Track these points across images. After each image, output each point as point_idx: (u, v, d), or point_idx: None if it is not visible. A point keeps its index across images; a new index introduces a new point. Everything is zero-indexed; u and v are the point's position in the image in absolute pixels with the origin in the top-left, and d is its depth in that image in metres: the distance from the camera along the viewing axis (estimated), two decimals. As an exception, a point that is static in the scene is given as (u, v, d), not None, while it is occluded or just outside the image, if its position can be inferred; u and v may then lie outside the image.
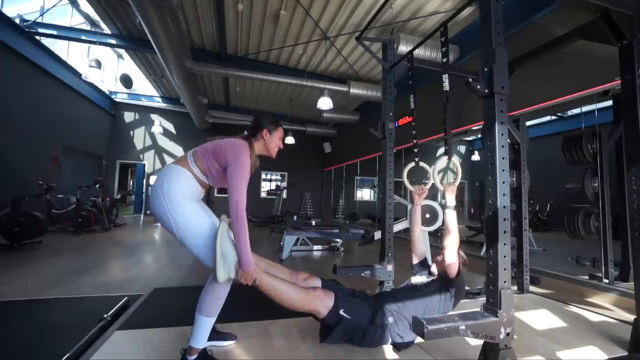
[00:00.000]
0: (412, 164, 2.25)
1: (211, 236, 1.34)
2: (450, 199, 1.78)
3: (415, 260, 2.05)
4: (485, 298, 1.40)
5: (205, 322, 1.36)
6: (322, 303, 1.52)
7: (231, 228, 1.35)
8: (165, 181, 1.35)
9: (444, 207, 1.80)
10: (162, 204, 1.32)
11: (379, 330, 1.56)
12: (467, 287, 1.78)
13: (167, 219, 1.32)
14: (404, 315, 1.60)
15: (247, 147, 1.41)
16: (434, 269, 1.87)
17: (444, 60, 1.94)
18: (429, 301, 1.67)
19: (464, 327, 1.23)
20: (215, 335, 1.54)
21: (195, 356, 1.33)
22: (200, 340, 1.35)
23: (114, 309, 2.05)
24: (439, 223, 3.34)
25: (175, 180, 1.36)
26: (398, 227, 3.46)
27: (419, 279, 1.89)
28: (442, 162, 1.95)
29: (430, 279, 1.83)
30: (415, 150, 2.25)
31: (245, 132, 1.56)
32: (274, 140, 1.56)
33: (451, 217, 1.74)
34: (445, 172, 2.11)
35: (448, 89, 1.89)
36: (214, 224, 1.38)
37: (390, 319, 1.59)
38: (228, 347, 1.55)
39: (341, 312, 1.53)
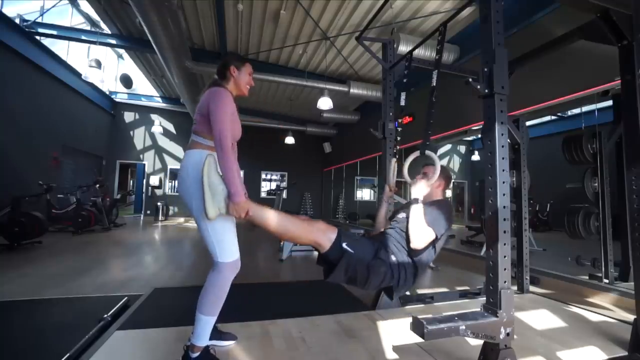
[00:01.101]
0: (394, 160, 2.26)
1: (230, 232, 1.38)
2: (414, 192, 1.73)
3: (383, 222, 2.06)
4: (485, 298, 1.40)
5: (206, 321, 1.36)
6: (325, 235, 1.49)
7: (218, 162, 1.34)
8: (191, 169, 1.36)
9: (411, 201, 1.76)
10: (189, 189, 1.35)
11: (383, 268, 1.54)
12: (453, 226, 1.72)
13: (194, 205, 1.35)
14: (402, 262, 1.60)
15: (223, 89, 1.41)
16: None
17: (437, 57, 1.98)
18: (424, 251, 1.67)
19: (464, 327, 1.24)
20: (216, 334, 1.55)
21: (198, 353, 1.34)
22: (203, 338, 1.35)
23: (114, 309, 2.05)
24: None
25: (199, 163, 1.35)
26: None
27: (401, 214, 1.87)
28: (413, 157, 1.95)
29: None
30: (397, 148, 2.32)
31: (215, 76, 1.55)
32: (243, 77, 1.54)
33: (413, 211, 1.67)
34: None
35: (435, 85, 1.92)
36: (233, 221, 1.41)
37: (393, 258, 1.59)
38: (228, 347, 1.55)
39: (344, 244, 1.50)
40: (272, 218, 1.39)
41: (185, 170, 1.38)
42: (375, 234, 1.86)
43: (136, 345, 1.56)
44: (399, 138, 2.33)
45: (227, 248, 1.38)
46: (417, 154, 1.90)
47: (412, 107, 2.39)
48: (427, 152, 1.83)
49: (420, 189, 1.74)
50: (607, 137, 2.86)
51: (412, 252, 1.66)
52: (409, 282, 1.65)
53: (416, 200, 1.70)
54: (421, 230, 1.63)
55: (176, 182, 1.41)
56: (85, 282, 2.84)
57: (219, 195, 1.29)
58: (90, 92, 8.21)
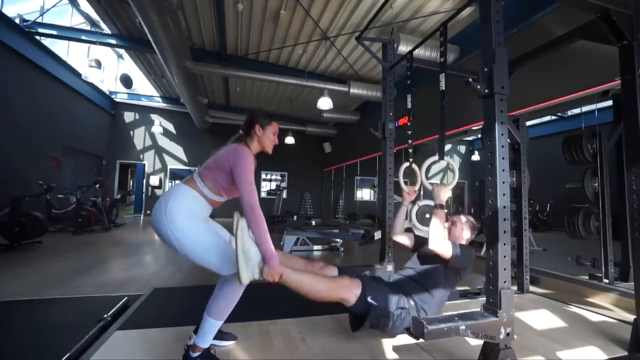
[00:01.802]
0: (407, 164, 2.27)
1: (222, 249, 1.34)
2: (437, 198, 1.77)
3: (411, 245, 2.09)
4: (485, 298, 1.40)
5: (214, 325, 1.36)
6: (350, 291, 1.51)
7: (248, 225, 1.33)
8: (172, 199, 1.34)
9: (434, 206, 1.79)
10: (163, 221, 1.31)
11: (404, 315, 1.57)
12: (469, 267, 1.76)
13: (168, 237, 1.32)
14: (423, 298, 1.64)
15: (245, 149, 1.41)
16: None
17: (442, 59, 1.96)
18: (442, 281, 1.70)
19: (464, 327, 1.24)
20: (217, 334, 1.55)
21: (198, 353, 1.34)
22: (207, 340, 1.36)
23: (114, 309, 2.05)
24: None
25: (180, 201, 1.35)
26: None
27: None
28: (430, 161, 1.96)
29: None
30: (410, 151, 2.28)
31: (240, 132, 1.56)
32: (268, 136, 1.54)
33: (435, 216, 1.71)
34: (445, 173, 2.14)
35: (444, 89, 1.91)
36: (221, 237, 1.39)
37: (412, 302, 1.62)
38: (228, 347, 1.55)
39: (369, 299, 1.53)
40: (304, 281, 1.43)
41: (167, 199, 1.34)
42: (395, 280, 1.86)
43: (136, 345, 1.56)
44: (410, 141, 2.31)
45: (224, 260, 1.34)
46: (434, 158, 1.91)
47: (413, 107, 2.39)
48: (447, 158, 1.86)
49: (442, 195, 1.77)
50: (607, 137, 2.86)
51: (428, 284, 1.70)
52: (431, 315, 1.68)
53: (441, 206, 1.73)
54: (440, 238, 1.65)
55: (154, 205, 1.38)
56: (85, 282, 2.84)
57: (252, 260, 1.28)
58: (90, 92, 8.21)
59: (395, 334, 1.60)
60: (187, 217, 1.34)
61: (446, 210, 1.77)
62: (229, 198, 1.49)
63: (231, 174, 1.37)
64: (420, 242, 2.05)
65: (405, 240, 2.13)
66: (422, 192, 1.97)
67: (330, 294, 1.48)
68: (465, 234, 1.90)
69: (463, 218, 1.93)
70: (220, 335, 1.57)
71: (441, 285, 1.69)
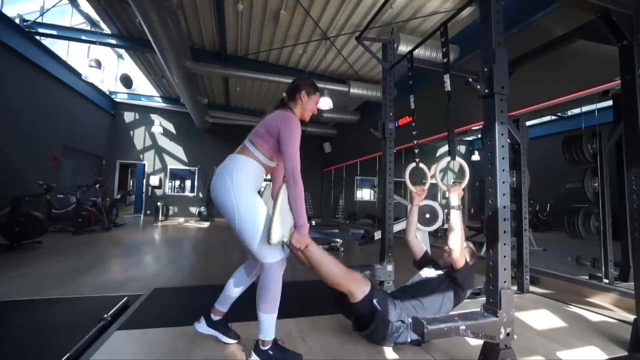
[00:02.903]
0: (413, 164, 2.26)
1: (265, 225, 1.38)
2: (454, 199, 1.80)
3: (418, 257, 2.10)
4: (485, 298, 1.40)
5: (269, 318, 1.39)
6: (360, 287, 1.55)
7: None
8: (236, 170, 1.39)
9: (446, 207, 1.82)
10: (229, 192, 1.36)
11: (402, 329, 1.57)
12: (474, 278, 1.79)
13: (231, 208, 1.36)
14: (424, 313, 1.64)
15: (292, 115, 1.46)
16: (441, 263, 1.92)
17: (445, 60, 1.95)
18: (444, 297, 1.71)
19: (464, 327, 1.24)
20: (223, 327, 1.57)
21: (268, 346, 1.38)
22: (270, 332, 1.39)
23: (114, 309, 2.05)
24: (439, 223, 3.34)
25: (244, 170, 1.40)
26: (398, 227, 3.46)
27: (427, 272, 1.92)
28: (444, 162, 1.97)
29: (437, 274, 1.86)
30: (416, 151, 2.26)
31: (284, 94, 1.57)
32: (311, 104, 1.59)
33: (454, 216, 1.76)
34: (445, 172, 2.14)
35: (450, 89, 1.90)
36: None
37: (409, 320, 1.61)
38: (229, 344, 1.56)
39: (374, 301, 1.55)
40: (325, 258, 1.48)
41: (229, 172, 1.39)
42: (395, 293, 1.87)
43: (136, 345, 1.56)
44: (415, 142, 2.30)
45: (272, 250, 1.39)
46: (447, 159, 1.91)
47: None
48: (458, 158, 1.87)
49: (457, 195, 1.81)
50: (607, 137, 2.86)
51: (452, 275, 1.73)
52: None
53: (458, 207, 1.77)
54: (458, 238, 1.68)
55: (212, 182, 1.37)
56: (85, 282, 2.84)
57: (287, 223, 1.36)
58: (90, 92, 8.20)
59: (389, 345, 1.59)
60: (252, 189, 1.40)
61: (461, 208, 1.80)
62: (279, 163, 1.54)
63: (279, 139, 1.41)
64: (425, 259, 2.08)
65: (417, 246, 2.14)
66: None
67: (343, 281, 1.51)
68: (465, 259, 1.90)
69: (464, 243, 1.95)
70: (226, 330, 1.58)
71: (441, 302, 1.71)
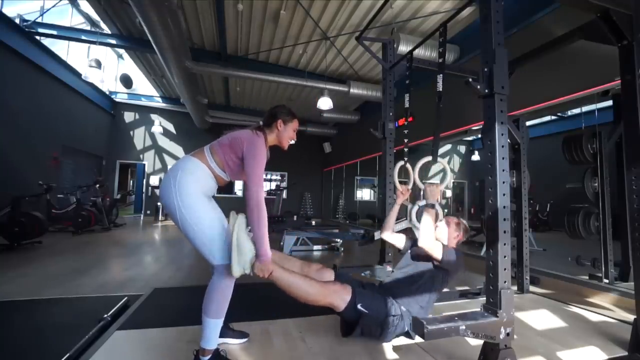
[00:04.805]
0: (402, 162, 2.27)
1: (219, 234, 1.34)
2: (427, 198, 1.81)
3: (402, 246, 2.10)
4: (485, 298, 1.40)
5: (213, 324, 1.35)
6: (340, 297, 1.52)
7: (247, 220, 1.35)
8: (180, 170, 1.34)
9: (424, 205, 1.82)
10: (171, 193, 1.31)
11: (397, 321, 1.58)
12: (464, 268, 1.79)
13: (174, 210, 1.31)
14: (411, 302, 1.65)
15: (262, 138, 1.42)
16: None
17: (440, 60, 1.96)
18: (430, 284, 1.71)
19: (464, 327, 1.24)
20: (228, 332, 1.56)
21: (208, 357, 1.33)
22: (211, 341, 1.35)
23: (114, 309, 2.05)
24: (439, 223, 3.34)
25: (190, 172, 1.35)
26: (398, 227, 3.46)
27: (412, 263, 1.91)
28: (423, 161, 1.98)
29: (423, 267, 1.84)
30: (405, 150, 2.29)
31: (260, 122, 1.56)
32: (288, 132, 1.56)
33: (425, 215, 1.73)
34: (426, 172, 2.16)
35: (441, 89, 1.91)
36: (222, 222, 1.38)
37: (403, 308, 1.63)
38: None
39: (359, 306, 1.53)
40: (293, 282, 1.45)
41: (174, 173, 1.34)
42: (385, 284, 1.87)
43: (136, 345, 1.56)
44: (406, 140, 2.31)
45: (221, 248, 1.34)
46: (428, 158, 1.92)
47: (412, 107, 2.39)
48: (439, 159, 1.87)
49: (433, 194, 1.80)
50: (607, 137, 2.86)
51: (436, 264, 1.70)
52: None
53: (431, 205, 1.76)
54: (429, 237, 1.66)
55: (164, 178, 1.36)
56: (85, 282, 2.84)
57: (246, 255, 1.31)
58: (90, 92, 8.20)
59: (389, 340, 1.61)
60: (196, 192, 1.34)
61: (438, 210, 1.79)
62: (231, 179, 1.50)
63: (242, 160, 1.38)
64: (414, 243, 2.06)
65: (394, 240, 2.14)
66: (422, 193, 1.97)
67: (319, 298, 1.49)
68: (457, 235, 1.93)
69: (456, 219, 1.98)
70: (232, 332, 1.58)
71: (429, 288, 1.71)
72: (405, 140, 2.30)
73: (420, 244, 1.68)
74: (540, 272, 3.16)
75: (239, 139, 1.40)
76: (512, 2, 3.98)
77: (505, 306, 1.30)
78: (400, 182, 2.24)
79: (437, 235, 1.80)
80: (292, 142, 1.63)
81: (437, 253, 1.66)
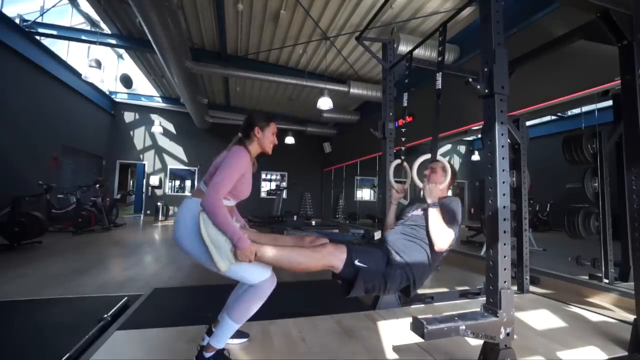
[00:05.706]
0: (398, 161, 2.26)
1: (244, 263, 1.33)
2: (429, 197, 1.74)
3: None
4: (485, 298, 1.40)
5: (232, 327, 1.35)
6: (336, 257, 1.48)
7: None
8: (189, 217, 1.33)
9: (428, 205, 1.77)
10: (189, 238, 1.32)
11: (399, 271, 1.56)
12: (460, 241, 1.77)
13: (196, 252, 1.32)
14: (411, 255, 1.64)
15: (243, 149, 1.41)
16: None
17: (439, 59, 1.96)
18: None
19: (464, 327, 1.24)
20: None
21: (212, 354, 1.34)
22: (222, 341, 1.35)
23: (114, 309, 2.05)
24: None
25: (194, 214, 1.33)
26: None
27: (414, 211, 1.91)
28: (422, 159, 1.95)
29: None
30: (402, 149, 2.28)
31: (239, 134, 1.54)
32: (268, 137, 1.53)
33: (433, 216, 1.68)
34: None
35: (440, 87, 1.91)
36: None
37: (405, 258, 1.62)
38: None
39: (357, 262, 1.50)
40: (282, 256, 1.38)
41: (184, 218, 1.34)
42: (381, 238, 1.86)
43: (136, 345, 1.56)
44: (404, 139, 2.31)
45: (253, 271, 1.35)
46: (427, 156, 1.90)
47: (412, 107, 2.38)
48: (439, 157, 1.86)
49: (433, 193, 1.75)
50: (607, 137, 2.86)
51: (431, 248, 1.68)
52: (425, 274, 1.69)
53: (434, 204, 1.70)
54: (444, 234, 1.65)
55: (174, 222, 1.39)
56: (85, 282, 2.84)
57: (224, 247, 1.28)
58: (90, 92, 8.20)
59: (394, 292, 1.59)
60: (206, 228, 1.31)
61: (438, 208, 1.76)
62: (237, 201, 1.48)
63: (240, 177, 1.37)
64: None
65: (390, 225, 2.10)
66: (422, 193, 1.95)
67: (314, 263, 1.44)
68: (444, 179, 1.88)
69: (440, 163, 1.91)
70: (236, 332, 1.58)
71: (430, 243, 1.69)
72: (403, 139, 2.29)
73: (440, 247, 1.64)
74: (540, 272, 3.16)
75: (222, 158, 1.40)
76: (512, 2, 3.98)
77: (505, 306, 1.30)
78: (397, 182, 2.21)
79: (437, 194, 1.76)
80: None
81: (452, 235, 1.65)
